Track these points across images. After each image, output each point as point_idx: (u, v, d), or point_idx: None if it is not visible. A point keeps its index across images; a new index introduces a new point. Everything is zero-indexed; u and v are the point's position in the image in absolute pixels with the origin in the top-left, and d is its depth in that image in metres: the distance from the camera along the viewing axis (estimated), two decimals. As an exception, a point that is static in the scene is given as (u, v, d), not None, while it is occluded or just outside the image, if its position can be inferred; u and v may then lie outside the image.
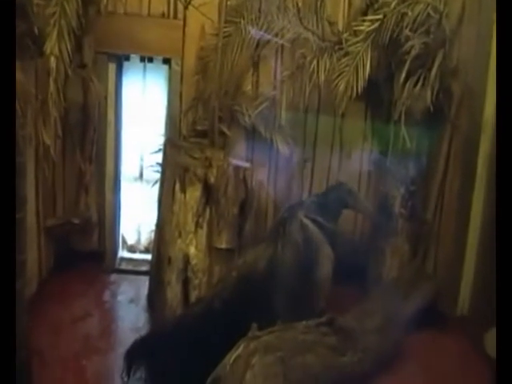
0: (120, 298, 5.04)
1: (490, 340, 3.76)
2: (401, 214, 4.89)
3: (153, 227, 4.98)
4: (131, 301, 4.96)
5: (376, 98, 4.99)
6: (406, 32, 4.47)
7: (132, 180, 5.57)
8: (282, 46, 5.02)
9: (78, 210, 5.23)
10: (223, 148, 4.88)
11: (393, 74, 4.72)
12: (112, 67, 5.14)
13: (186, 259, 4.29)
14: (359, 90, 4.53)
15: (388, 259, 4.94)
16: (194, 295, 4.31)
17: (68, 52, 4.50)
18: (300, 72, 4.98)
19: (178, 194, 4.28)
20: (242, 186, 4.39)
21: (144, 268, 5.30)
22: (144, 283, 4.98)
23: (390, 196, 4.91)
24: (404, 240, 4.93)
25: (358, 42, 4.59)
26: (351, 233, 5.29)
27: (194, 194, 4.25)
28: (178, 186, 4.28)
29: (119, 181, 5.46)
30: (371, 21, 4.55)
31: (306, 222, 4.29)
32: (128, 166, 5.53)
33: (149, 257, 5.04)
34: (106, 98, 5.13)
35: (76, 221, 5.16)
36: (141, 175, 5.55)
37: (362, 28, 4.58)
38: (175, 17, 5.08)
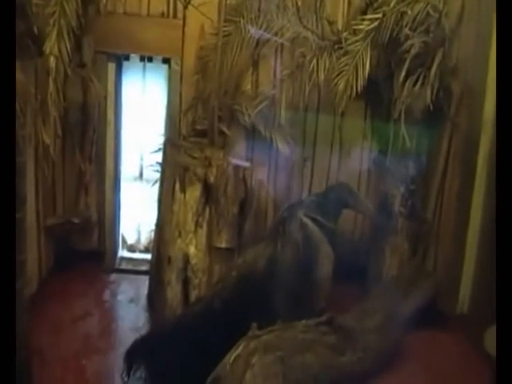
0: (120, 297, 5.04)
1: (490, 339, 3.76)
2: (400, 212, 4.89)
3: (153, 227, 4.98)
4: (131, 300, 4.96)
5: (376, 97, 4.99)
6: (406, 31, 4.46)
7: (132, 179, 5.57)
8: (282, 45, 5.02)
9: (78, 209, 5.24)
10: (223, 147, 4.89)
11: (392, 72, 4.72)
12: (111, 67, 5.14)
13: (186, 259, 4.29)
14: (359, 88, 4.53)
15: (388, 258, 4.94)
16: (193, 295, 4.31)
17: (67, 52, 4.50)
18: (300, 71, 4.98)
19: (178, 194, 4.28)
20: (242, 186, 4.39)
21: (144, 267, 5.30)
22: (144, 283, 4.98)
23: (390, 195, 4.91)
24: (404, 239, 4.93)
25: (357, 41, 4.58)
26: (351, 232, 5.29)
27: (194, 193, 4.25)
28: (177, 186, 4.28)
29: (119, 180, 5.46)
30: (371, 20, 4.54)
31: (306, 221, 4.30)
32: (128, 166, 5.53)
33: (149, 256, 5.04)
34: (105, 97, 5.12)
35: (76, 220, 5.16)
36: (141, 175, 5.55)
37: (361, 27, 4.57)
38: (175, 16, 5.08)
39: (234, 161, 4.42)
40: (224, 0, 4.63)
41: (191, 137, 4.94)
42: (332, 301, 4.33)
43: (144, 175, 5.52)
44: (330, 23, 4.97)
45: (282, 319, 3.70)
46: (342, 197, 4.56)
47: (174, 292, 4.32)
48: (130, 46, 5.04)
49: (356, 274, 4.80)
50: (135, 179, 5.56)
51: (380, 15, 4.48)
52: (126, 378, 3.61)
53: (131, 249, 5.66)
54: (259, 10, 4.89)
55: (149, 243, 5.52)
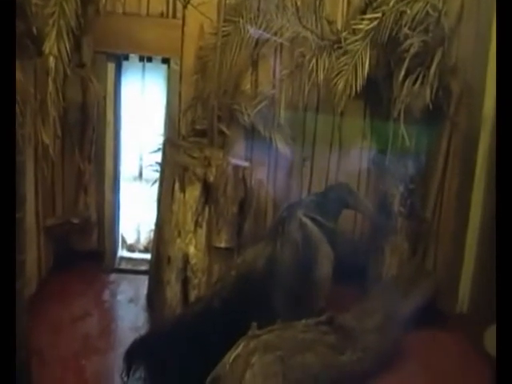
0: (119, 297, 5.03)
1: (490, 338, 3.76)
2: (400, 212, 4.89)
3: (152, 227, 4.99)
4: (131, 300, 4.95)
5: (375, 97, 4.99)
6: (405, 30, 4.46)
7: (131, 179, 5.57)
8: (281, 44, 5.02)
9: (78, 209, 5.24)
10: (222, 147, 4.89)
11: (392, 72, 4.72)
12: (111, 67, 5.14)
13: (186, 258, 4.29)
14: (358, 88, 4.53)
15: (387, 258, 4.94)
16: (193, 294, 4.31)
17: (67, 52, 4.49)
18: (299, 71, 4.98)
19: (178, 194, 4.28)
20: (242, 185, 4.39)
21: (143, 267, 5.30)
22: (143, 283, 4.98)
23: (389, 194, 4.91)
24: (403, 238, 4.93)
25: (356, 41, 4.58)
26: (350, 231, 5.30)
27: (194, 193, 4.25)
28: (177, 186, 4.28)
29: (118, 180, 5.46)
30: (370, 19, 4.54)
31: (305, 220, 4.30)
32: (127, 166, 5.53)
33: (148, 256, 5.05)
34: (104, 97, 5.13)
35: (75, 220, 5.16)
36: (140, 175, 5.55)
37: (360, 26, 4.57)
38: (174, 16, 5.08)
39: (234, 160, 4.42)
40: (223, 0, 4.63)
41: (191, 137, 4.94)
42: (332, 300, 4.33)
43: (143, 175, 5.52)
44: (330, 23, 4.97)
45: (282, 319, 3.70)
46: (341, 196, 4.56)
47: (173, 292, 4.32)
48: (129, 45, 5.05)
49: (356, 274, 4.80)
50: (135, 179, 5.57)
51: (379, 15, 4.48)
52: (125, 378, 3.61)
53: (131, 249, 5.66)
54: (258, 10, 4.89)
55: (148, 243, 5.53)
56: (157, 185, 4.79)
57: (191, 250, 4.29)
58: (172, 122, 5.23)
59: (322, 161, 5.28)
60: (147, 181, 5.41)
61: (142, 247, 5.65)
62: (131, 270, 5.42)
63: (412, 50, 4.47)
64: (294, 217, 4.31)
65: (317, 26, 4.93)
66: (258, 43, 5.03)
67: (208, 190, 4.26)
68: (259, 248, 4.26)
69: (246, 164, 4.56)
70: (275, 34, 4.89)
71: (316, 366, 3.59)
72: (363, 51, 4.54)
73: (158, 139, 5.12)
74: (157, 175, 4.86)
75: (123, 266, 5.48)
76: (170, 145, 4.65)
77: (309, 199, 4.61)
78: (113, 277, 5.30)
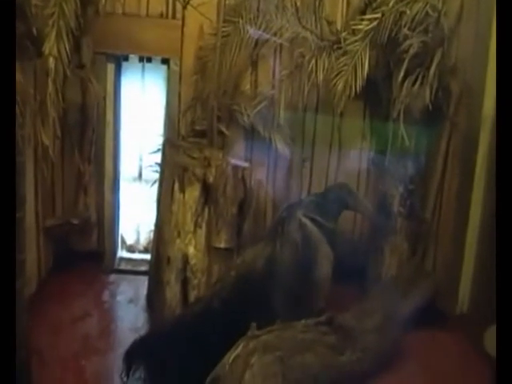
0: (119, 298, 5.03)
1: (490, 338, 3.76)
2: (399, 212, 4.89)
3: (152, 227, 4.98)
4: (130, 301, 4.95)
5: (374, 97, 4.99)
6: (405, 31, 4.46)
7: (131, 180, 5.57)
8: (281, 45, 5.02)
9: (77, 210, 5.24)
10: (222, 148, 4.89)
11: (391, 72, 4.72)
12: (111, 67, 5.15)
13: (185, 259, 4.29)
14: (358, 88, 4.53)
15: (387, 258, 4.94)
16: (193, 295, 4.31)
17: (66, 52, 4.50)
18: (298, 71, 4.99)
19: (177, 194, 4.29)
20: (241, 186, 4.39)
21: (143, 268, 5.30)
22: (143, 283, 4.98)
23: (389, 195, 4.91)
24: (403, 239, 4.93)
25: (356, 41, 4.58)
26: (350, 232, 5.30)
27: (193, 193, 4.26)
28: (176, 186, 4.28)
29: (118, 181, 5.46)
30: (369, 20, 4.54)
31: (305, 220, 4.30)
32: (127, 166, 5.54)
33: (148, 257, 5.04)
34: (104, 98, 5.13)
35: (75, 221, 5.17)
36: (140, 175, 5.55)
37: (360, 27, 4.57)
38: (174, 17, 5.08)
39: (233, 161, 4.42)
40: (223, 0, 4.64)
41: (190, 137, 4.95)
42: (331, 301, 4.33)
43: (143, 175, 5.53)
44: (329, 23, 4.97)
45: (282, 319, 3.70)
46: (341, 197, 4.56)
47: (173, 292, 4.33)
48: (129, 46, 5.05)
49: (355, 274, 4.80)
50: (134, 180, 5.57)
51: (379, 15, 4.48)
52: (125, 379, 3.61)
53: (130, 249, 5.66)
54: (258, 11, 4.89)
55: (148, 243, 5.53)
56: (156, 185, 4.79)
57: (191, 250, 4.29)
58: (172, 122, 5.23)
59: (321, 161, 5.28)
60: (147, 181, 5.41)
61: (141, 248, 5.65)
62: (131, 270, 5.41)
63: (411, 51, 4.47)
64: (293, 217, 4.31)
65: (316, 27, 4.94)
66: (257, 44, 5.03)
67: (207, 191, 4.26)
68: (259, 248, 4.26)
69: (246, 164, 4.56)
70: (275, 34, 4.89)
71: (315, 366, 3.59)
72: (363, 52, 4.54)
73: (158, 140, 5.12)
74: (156, 176, 4.86)
75: (123, 266, 5.47)
76: (170, 145, 4.65)
77: (308, 199, 4.61)
78: (112, 277, 5.29)
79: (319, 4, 4.95)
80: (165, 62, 5.23)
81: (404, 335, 4.26)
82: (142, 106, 5.42)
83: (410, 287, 4.63)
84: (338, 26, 5.02)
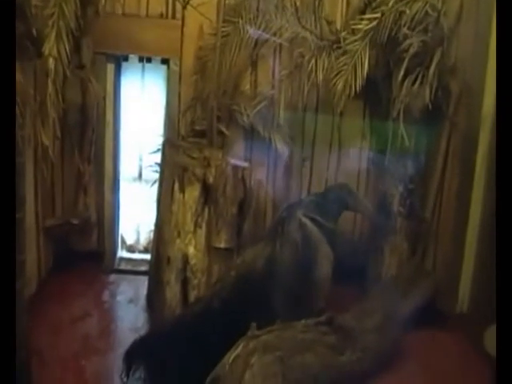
0: (119, 298, 5.03)
1: (490, 338, 3.76)
2: (399, 212, 4.89)
3: (152, 227, 4.98)
4: (130, 301, 4.95)
5: (374, 97, 4.99)
6: (404, 30, 4.46)
7: (131, 180, 5.57)
8: (281, 45, 5.01)
9: (77, 210, 5.23)
10: (222, 148, 4.88)
11: (391, 72, 4.72)
12: (110, 68, 5.15)
13: (185, 259, 4.30)
14: (357, 88, 4.53)
15: (387, 258, 4.94)
16: (192, 295, 4.31)
17: (66, 53, 4.50)
18: (298, 71, 4.99)
19: (177, 194, 4.29)
20: (241, 186, 4.39)
21: (143, 268, 5.30)
22: (143, 283, 4.98)
23: (389, 194, 4.91)
24: (403, 238, 4.93)
25: (356, 41, 4.58)
26: (350, 232, 5.30)
27: (193, 193, 4.26)
28: (176, 186, 4.28)
29: (118, 181, 5.46)
30: (369, 19, 4.54)
31: (305, 220, 4.30)
32: (127, 166, 5.53)
33: (148, 257, 5.04)
34: (104, 98, 5.12)
35: (75, 221, 5.16)
36: (140, 175, 5.55)
37: (360, 27, 4.57)
38: (173, 17, 5.08)
39: (233, 161, 4.42)
40: (223, 0, 4.63)
41: (190, 137, 4.94)
42: (331, 301, 4.33)
43: (143, 176, 5.53)
44: (329, 23, 4.97)
45: (282, 319, 3.70)
46: (341, 197, 4.55)
47: (173, 292, 4.33)
48: (128, 46, 5.05)
49: (355, 274, 4.80)
50: (134, 180, 5.57)
51: (378, 15, 4.48)
52: (125, 379, 3.61)
53: (130, 249, 5.66)
54: (258, 10, 4.89)
55: (148, 243, 5.53)
56: (156, 185, 4.79)
57: (191, 250, 4.29)
58: (171, 122, 5.23)
59: (321, 161, 5.27)
60: (147, 181, 5.41)
61: (141, 248, 5.64)
62: (131, 270, 5.41)
63: (411, 50, 4.47)
64: (293, 217, 4.31)
65: (316, 27, 4.93)
66: (257, 44, 5.03)
67: (207, 191, 4.26)
68: (259, 248, 4.26)
69: (246, 164, 4.56)
70: (274, 34, 4.89)
71: (315, 366, 3.59)
72: (362, 51, 4.54)
73: (158, 140, 5.12)
74: (156, 176, 4.86)
75: (123, 266, 5.47)
76: (170, 145, 4.65)
77: (308, 199, 4.60)
78: (112, 277, 5.29)
79: (319, 4, 4.94)
80: (164, 62, 5.23)
81: (404, 335, 4.26)
82: (141, 106, 5.42)
83: (410, 287, 4.63)
84: (338, 25, 5.01)
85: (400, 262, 4.94)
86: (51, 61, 4.41)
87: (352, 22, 4.77)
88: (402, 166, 4.84)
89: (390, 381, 3.98)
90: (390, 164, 4.85)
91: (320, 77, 4.79)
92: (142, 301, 4.92)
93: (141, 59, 5.27)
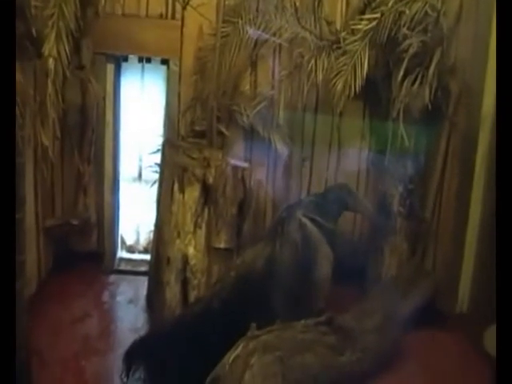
0: (119, 298, 5.03)
1: (490, 338, 3.76)
2: (399, 212, 4.89)
3: (152, 227, 4.98)
4: (130, 301, 4.95)
5: (374, 97, 4.98)
6: (404, 30, 4.46)
7: (131, 180, 5.57)
8: (280, 45, 5.01)
9: (77, 210, 5.23)
10: (221, 148, 4.88)
11: (391, 72, 4.72)
12: (110, 68, 5.15)
13: (185, 259, 4.30)
14: (357, 88, 4.52)
15: (387, 258, 4.94)
16: (192, 295, 4.31)
17: (66, 53, 4.50)
18: (298, 71, 4.99)
19: (177, 194, 4.29)
20: (241, 186, 4.39)
21: (143, 268, 5.30)
22: (143, 284, 4.98)
23: (389, 194, 4.91)
24: (403, 238, 4.93)
25: (355, 41, 4.57)
26: (350, 232, 5.30)
27: (193, 194, 4.26)
28: (176, 186, 4.28)
29: (118, 181, 5.46)
30: (369, 19, 4.54)
31: (305, 221, 4.29)
32: (127, 167, 5.53)
33: (148, 257, 5.04)
34: (104, 98, 5.12)
35: (75, 221, 5.16)
36: (139, 176, 5.55)
37: (359, 27, 4.57)
38: (173, 17, 5.08)
39: (233, 161, 4.43)
40: (222, 1, 4.62)
41: (190, 137, 4.94)
42: (331, 301, 4.33)
43: (143, 176, 5.52)
44: (329, 23, 4.97)
45: (281, 319, 3.70)
46: (341, 197, 4.55)
47: (172, 292, 4.33)
48: (128, 47, 5.05)
49: (355, 274, 4.81)
50: (134, 180, 5.57)
51: (378, 15, 4.48)
52: (125, 379, 3.61)
53: (130, 250, 5.66)
54: (257, 11, 4.89)
55: (148, 244, 5.52)
56: (156, 186, 4.79)
57: (190, 250, 4.29)
58: (171, 122, 5.23)
59: (321, 161, 5.28)
60: (146, 182, 5.41)
61: (141, 248, 5.64)
62: (131, 270, 5.41)
63: (411, 50, 4.46)
64: (293, 217, 4.31)
65: (316, 27, 4.93)
66: (256, 44, 5.03)
67: (207, 191, 4.26)
68: (258, 248, 4.26)
69: (245, 165, 4.57)
70: (274, 34, 4.89)
71: (315, 366, 3.60)
72: (362, 51, 4.54)
73: (158, 140, 5.12)
74: (156, 176, 4.86)
75: (123, 266, 5.47)
76: (170, 146, 4.65)
77: (308, 200, 4.60)
78: (112, 278, 5.29)
79: (318, 4, 4.94)
80: (164, 62, 5.23)
81: (404, 335, 4.26)
82: (141, 107, 5.42)
83: (410, 287, 4.63)
84: (338, 25, 5.01)
85: (400, 262, 4.95)
86: (51, 61, 4.42)
87: (352, 23, 4.77)
88: (402, 166, 4.84)
89: (390, 381, 3.98)
90: (389, 164, 4.85)
91: (320, 77, 4.79)
92: (142, 301, 4.92)
93: (140, 59, 5.27)
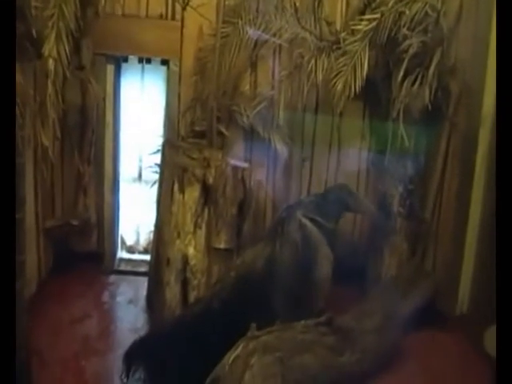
0: (119, 298, 5.03)
1: (490, 338, 3.76)
2: (399, 212, 4.89)
3: (152, 228, 4.98)
4: (130, 301, 4.95)
5: (374, 97, 4.98)
6: (404, 31, 4.46)
7: (131, 181, 5.56)
8: (280, 45, 5.01)
9: (77, 211, 5.23)
10: (221, 148, 4.88)
11: (391, 72, 4.71)
12: (110, 68, 5.14)
13: (185, 260, 4.29)
14: (357, 89, 4.52)
15: (386, 258, 4.94)
16: (192, 295, 4.31)
17: (66, 54, 4.50)
18: (298, 72, 4.98)
19: (177, 195, 4.29)
20: (241, 186, 4.39)
21: (143, 269, 5.29)
22: (143, 284, 4.98)
23: (389, 195, 4.91)
24: (402, 239, 4.92)
25: (355, 42, 4.57)
26: (350, 232, 5.30)
27: (193, 194, 4.26)
28: (176, 187, 4.28)
29: (118, 182, 5.46)
30: (369, 20, 4.53)
31: (305, 221, 4.29)
32: (127, 167, 5.53)
33: (148, 257, 5.04)
34: (104, 99, 5.12)
35: (75, 222, 5.16)
36: (139, 176, 5.55)
37: (359, 27, 4.56)
38: (173, 18, 5.08)
39: (233, 161, 4.42)
40: (222, 1, 4.62)
41: (190, 138, 4.94)
42: (331, 301, 4.32)
43: (143, 176, 5.52)
44: (328, 24, 4.96)
45: (281, 320, 3.70)
46: (341, 198, 4.55)
47: (172, 293, 4.33)
48: (128, 47, 5.04)
49: (355, 275, 4.81)
50: (134, 180, 5.56)
51: (378, 15, 4.47)
52: (125, 379, 3.61)
53: (130, 250, 5.65)
54: (257, 11, 4.89)
55: (148, 244, 5.52)
56: (156, 186, 4.79)
57: (190, 251, 4.29)
58: (171, 123, 5.23)
59: (321, 161, 5.27)
60: (146, 182, 5.42)
61: (141, 248, 5.64)
62: (131, 271, 5.41)
63: (411, 51, 4.46)
64: (293, 217, 4.31)
65: (315, 27, 4.93)
66: (256, 44, 5.02)
67: (207, 191, 4.26)
68: (258, 249, 4.26)
69: (245, 165, 4.56)
70: (274, 35, 4.88)
71: (315, 366, 3.59)
72: (362, 52, 4.53)
73: (158, 140, 5.12)
74: (156, 176, 4.86)
75: (123, 267, 5.47)
76: (170, 146, 4.65)
77: (308, 200, 4.60)
78: (112, 278, 5.29)
79: (318, 4, 4.94)
80: (164, 62, 5.22)
81: (404, 336, 4.25)
82: (141, 107, 5.42)
83: (410, 287, 4.62)
84: (338, 26, 5.01)
85: (400, 262, 4.94)
86: (51, 62, 4.41)
87: (351, 23, 4.76)
88: (402, 167, 4.84)
89: (390, 381, 3.98)
90: (389, 164, 4.84)
91: (319, 77, 4.78)
92: (142, 301, 4.92)
93: (140, 60, 5.27)
